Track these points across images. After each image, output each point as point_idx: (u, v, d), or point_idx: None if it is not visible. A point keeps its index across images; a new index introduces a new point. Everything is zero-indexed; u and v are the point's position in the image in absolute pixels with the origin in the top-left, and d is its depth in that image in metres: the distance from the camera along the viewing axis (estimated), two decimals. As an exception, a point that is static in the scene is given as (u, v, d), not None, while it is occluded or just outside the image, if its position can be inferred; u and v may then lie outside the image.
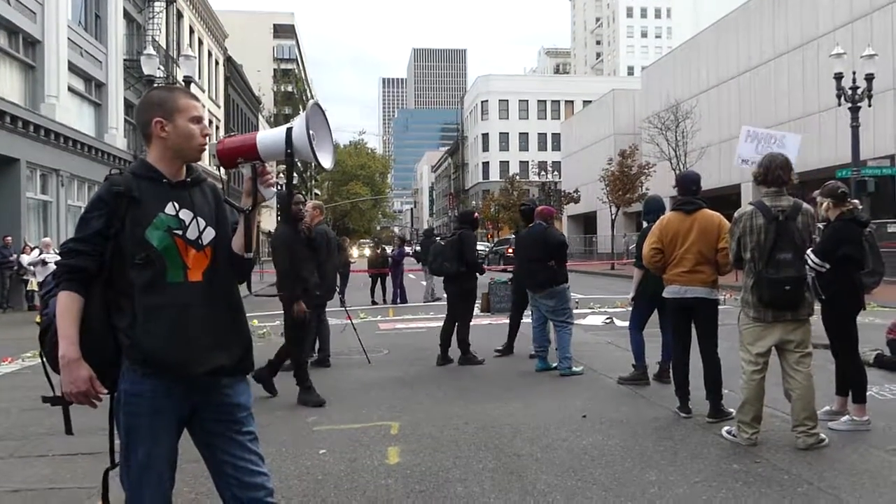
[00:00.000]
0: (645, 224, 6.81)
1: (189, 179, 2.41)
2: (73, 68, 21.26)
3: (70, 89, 21.14)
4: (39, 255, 15.39)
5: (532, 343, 8.03)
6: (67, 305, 2.23)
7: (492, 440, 4.93)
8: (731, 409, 5.11)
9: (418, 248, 19.66)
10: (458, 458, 4.55)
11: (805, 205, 4.68)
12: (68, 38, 20.67)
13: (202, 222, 2.37)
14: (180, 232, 2.30)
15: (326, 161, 2.45)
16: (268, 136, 2.34)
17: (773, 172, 4.63)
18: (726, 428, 4.94)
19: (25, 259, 16.43)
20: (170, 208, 2.32)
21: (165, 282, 2.26)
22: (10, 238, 17.30)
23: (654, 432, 5.07)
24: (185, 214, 2.33)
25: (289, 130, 2.37)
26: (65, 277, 2.25)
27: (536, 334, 7.83)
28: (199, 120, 2.37)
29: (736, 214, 4.77)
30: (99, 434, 5.19)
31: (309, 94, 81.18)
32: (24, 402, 6.61)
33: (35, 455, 4.86)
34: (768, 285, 4.47)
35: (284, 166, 2.56)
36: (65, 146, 20.13)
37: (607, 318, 12.05)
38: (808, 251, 4.74)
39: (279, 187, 2.31)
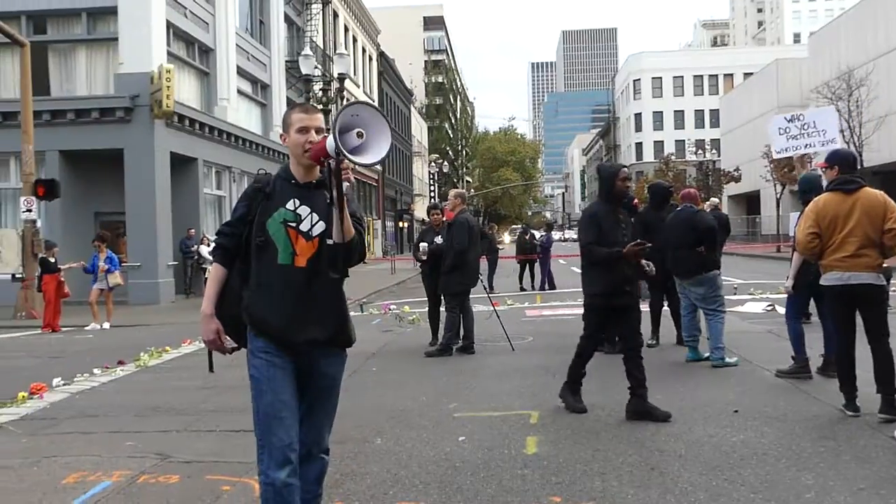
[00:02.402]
0: (805, 205, 6.33)
1: (315, 182, 2.80)
2: (241, 72, 22.92)
3: (239, 92, 22.81)
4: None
5: (682, 332, 7.72)
6: (213, 273, 2.89)
7: (634, 433, 4.81)
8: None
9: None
10: (597, 450, 4.48)
11: None
12: (237, 45, 22.30)
13: (315, 217, 2.77)
14: (294, 224, 2.75)
15: (367, 158, 2.53)
16: (331, 137, 2.51)
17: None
18: (898, 429, 4.50)
19: (204, 250, 17.97)
20: (290, 204, 2.77)
21: (276, 263, 2.73)
22: (193, 230, 19.01)
23: (814, 431, 4.71)
24: (303, 210, 2.77)
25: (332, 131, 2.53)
26: (216, 252, 2.91)
27: (686, 323, 7.51)
28: (305, 130, 2.75)
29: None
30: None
31: (459, 84, 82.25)
32: (198, 380, 7.28)
33: (205, 430, 5.34)
34: None
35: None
36: (235, 145, 21.78)
37: (769, 306, 11.30)
38: None
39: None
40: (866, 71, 30.78)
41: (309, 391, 2.83)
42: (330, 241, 2.70)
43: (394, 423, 5.23)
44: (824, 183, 5.54)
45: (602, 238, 5.30)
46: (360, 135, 2.48)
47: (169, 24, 18.48)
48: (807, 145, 8.81)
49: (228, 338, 2.87)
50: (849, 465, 4.03)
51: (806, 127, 8.96)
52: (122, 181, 17.23)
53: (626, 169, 5.63)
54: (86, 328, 12.72)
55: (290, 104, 27.47)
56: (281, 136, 2.88)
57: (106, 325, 12.90)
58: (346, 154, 2.45)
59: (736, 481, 3.85)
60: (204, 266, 18.67)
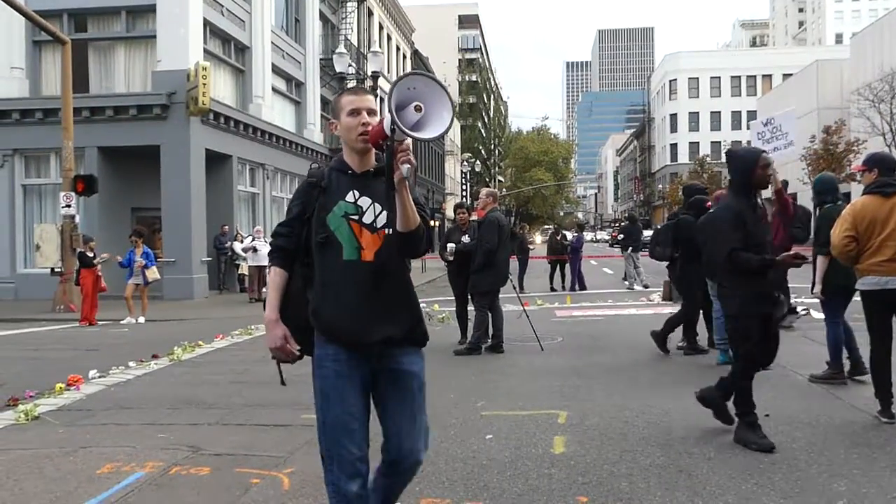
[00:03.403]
0: (820, 206, 6.25)
1: (373, 170, 2.64)
2: (276, 70, 23.18)
3: (274, 90, 23.07)
4: (251, 241, 17.02)
5: (714, 335, 7.62)
6: (273, 278, 2.71)
7: (662, 435, 4.76)
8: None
9: (621, 234, 19.22)
10: (625, 451, 4.44)
11: None
12: (272, 43, 22.55)
13: (378, 207, 2.59)
14: (356, 217, 2.58)
15: (429, 132, 2.35)
16: (388, 115, 2.35)
17: None
18: (937, 438, 4.39)
19: (238, 246, 18.21)
20: (350, 196, 2.60)
21: (341, 260, 2.56)
22: (227, 227, 19.27)
23: (848, 437, 4.62)
24: (364, 201, 2.60)
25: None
26: (274, 255, 2.73)
27: (719, 325, 7.41)
28: (356, 112, 2.59)
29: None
30: (290, 408, 5.71)
31: (493, 83, 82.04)
32: (230, 374, 7.40)
33: (236, 423, 5.42)
34: None
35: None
36: (269, 142, 22.03)
37: (803, 309, 11.10)
38: None
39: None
40: (910, 72, 30.09)
41: (393, 395, 2.63)
42: (392, 230, 2.53)
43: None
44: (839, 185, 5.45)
45: (749, 239, 4.44)
46: (418, 108, 2.32)
47: (206, 22, 18.76)
48: (774, 148, 8.84)
49: (295, 344, 2.69)
50: (883, 473, 3.95)
51: (775, 130, 8.97)
52: (158, 177, 17.55)
53: (766, 154, 4.75)
54: (121, 322, 13.00)
55: (326, 102, 27.77)
56: (331, 124, 2.73)
57: (141, 320, 13.16)
58: (407, 131, 2.27)
59: (766, 486, 3.80)
60: (237, 262, 18.94)
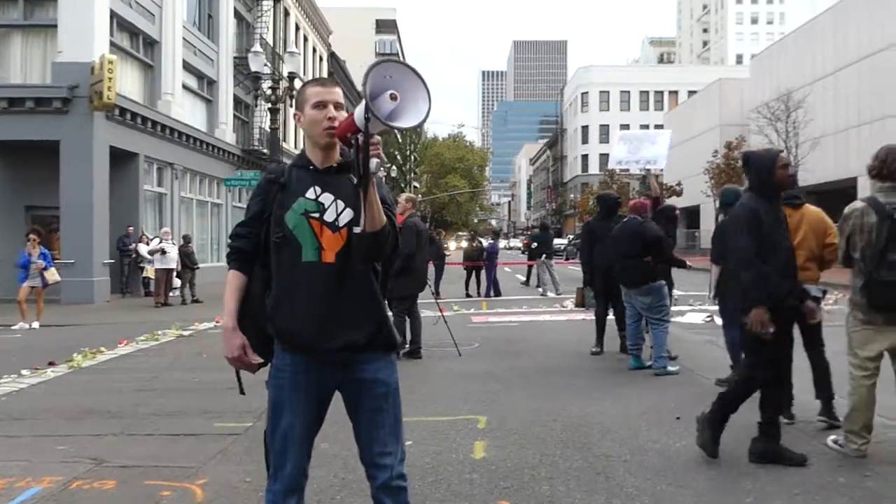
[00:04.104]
0: (722, 217, 6.59)
1: (336, 165, 2.50)
2: (187, 66, 22.41)
3: (184, 87, 22.29)
4: (159, 244, 16.32)
5: (627, 340, 7.85)
6: (230, 282, 2.53)
7: (580, 439, 4.84)
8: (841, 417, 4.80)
9: (534, 242, 19.45)
10: (544, 455, 4.49)
11: None
12: (183, 38, 21.81)
13: (341, 204, 2.44)
14: (317, 214, 2.42)
15: (406, 121, 2.22)
16: (360, 106, 2.25)
17: (891, 165, 4.28)
18: (832, 437, 4.63)
19: (143, 248, 17.46)
20: (311, 192, 2.45)
21: (301, 261, 2.40)
22: (132, 228, 18.45)
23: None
24: (326, 198, 2.44)
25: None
26: (231, 257, 2.56)
27: (631, 331, 7.63)
28: (322, 105, 2.46)
29: (846, 210, 4.46)
30: (201, 416, 5.49)
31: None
32: (136, 382, 7.06)
33: (143, 433, 5.16)
34: (879, 288, 4.15)
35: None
36: (179, 141, 21.27)
37: (708, 316, 11.61)
38: None
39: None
40: (804, 94, 32.01)
41: (362, 405, 2.49)
42: (357, 230, 2.36)
43: (339, 427, 5.05)
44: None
45: (765, 240, 4.29)
46: (393, 97, 2.18)
47: (112, 14, 17.94)
48: (637, 161, 9.57)
49: (254, 353, 2.52)
50: (786, 471, 4.14)
51: (643, 144, 9.73)
52: (57, 174, 16.61)
53: (783, 154, 4.65)
54: (13, 327, 12.15)
55: (239, 101, 27.05)
56: (295, 115, 2.56)
57: (35, 325, 12.35)
58: (383, 120, 2.14)
59: (680, 485, 3.92)
60: (142, 265, 18.16)
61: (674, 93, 77.20)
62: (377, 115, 2.12)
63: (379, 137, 2.26)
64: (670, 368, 7.12)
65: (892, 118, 28.00)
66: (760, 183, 4.43)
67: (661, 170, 9.91)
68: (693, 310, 12.90)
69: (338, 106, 2.47)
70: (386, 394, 2.50)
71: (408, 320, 8.25)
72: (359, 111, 2.21)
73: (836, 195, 28.99)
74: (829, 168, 31.39)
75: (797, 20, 65.11)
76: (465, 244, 23.15)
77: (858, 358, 4.35)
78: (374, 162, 2.24)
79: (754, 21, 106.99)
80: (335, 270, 2.40)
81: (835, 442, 4.56)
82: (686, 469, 4.20)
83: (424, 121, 2.24)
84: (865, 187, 29.37)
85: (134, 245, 18.11)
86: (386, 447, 2.48)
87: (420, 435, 4.95)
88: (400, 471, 2.50)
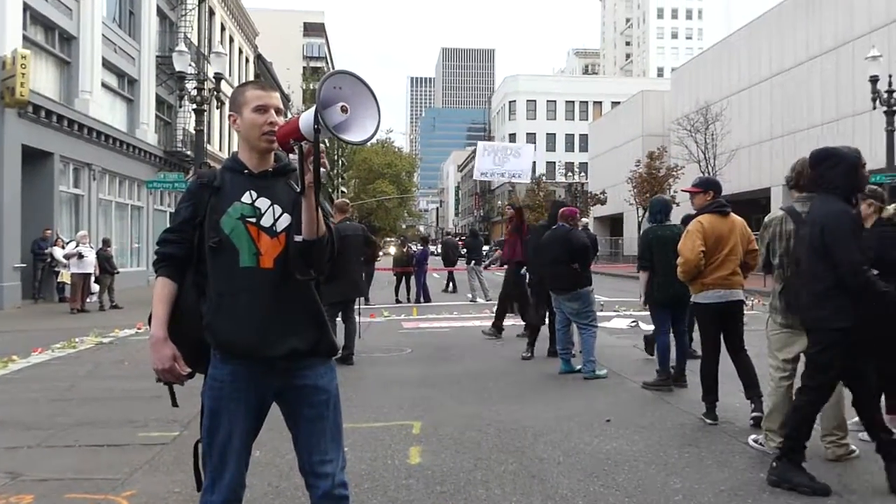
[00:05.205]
0: (648, 225, 6.85)
1: (271, 169, 2.45)
2: (106, 64, 21.58)
3: (103, 85, 21.46)
4: (76, 247, 15.63)
5: (556, 345, 7.99)
6: (159, 290, 2.42)
7: (514, 443, 4.90)
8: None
9: (464, 249, 19.60)
10: (479, 459, 4.52)
11: None
12: (103, 35, 20.99)
13: (279, 209, 2.39)
14: (254, 219, 2.36)
15: (354, 136, 2.20)
16: (306, 114, 2.23)
17: (807, 176, 4.51)
18: (753, 437, 4.85)
19: (58, 252, 16.68)
20: (246, 197, 2.39)
21: (238, 267, 2.34)
22: (49, 230, 17.60)
23: (680, 439, 4.99)
24: (263, 202, 2.39)
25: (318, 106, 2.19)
26: (159, 264, 2.43)
27: (560, 336, 7.77)
28: (263, 109, 2.40)
29: (766, 219, 4.68)
30: (125, 426, 5.28)
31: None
32: (53, 392, 6.73)
33: (62, 445, 4.92)
34: (797, 292, 4.37)
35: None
36: (97, 141, 20.44)
37: (633, 322, 11.93)
38: None
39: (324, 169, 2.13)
40: (721, 107, 33.39)
41: (302, 413, 2.44)
42: (298, 238, 2.32)
43: (272, 434, 4.96)
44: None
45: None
46: (344, 109, 2.14)
47: (26, 7, 17.12)
48: (502, 174, 10.22)
49: (185, 365, 2.44)
50: (711, 470, 4.30)
51: (509, 152, 10.32)
52: (-36, 173, 15.72)
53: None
54: (-85, 334, 11.43)
55: (161, 101, 26.22)
56: (230, 116, 2.48)
57: (-60, 331, 11.66)
58: (332, 130, 2.09)
59: (611, 486, 4.02)
60: (57, 269, 17.35)
61: (598, 103, 79.28)
62: (327, 125, 2.09)
63: (324, 145, 2.25)
64: (599, 372, 7.28)
65: (803, 132, 29.54)
66: (847, 184, 3.90)
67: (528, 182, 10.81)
68: (619, 315, 13.23)
69: (278, 111, 2.43)
70: (327, 401, 2.46)
71: (343, 326, 8.17)
72: (305, 118, 2.18)
73: (750, 205, 30.42)
74: (744, 178, 32.84)
75: (715, 36, 67.97)
76: (393, 250, 23.08)
77: (777, 360, 4.56)
78: (320, 170, 2.22)
79: (674, 36, 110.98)
80: (274, 276, 2.35)
81: (755, 441, 4.76)
82: (617, 470, 4.31)
83: (371, 137, 2.22)
84: (779, 197, 30.89)
85: (49, 248, 17.29)
86: (327, 455, 2.44)
87: (355, 441, 4.90)
88: (342, 479, 2.47)
